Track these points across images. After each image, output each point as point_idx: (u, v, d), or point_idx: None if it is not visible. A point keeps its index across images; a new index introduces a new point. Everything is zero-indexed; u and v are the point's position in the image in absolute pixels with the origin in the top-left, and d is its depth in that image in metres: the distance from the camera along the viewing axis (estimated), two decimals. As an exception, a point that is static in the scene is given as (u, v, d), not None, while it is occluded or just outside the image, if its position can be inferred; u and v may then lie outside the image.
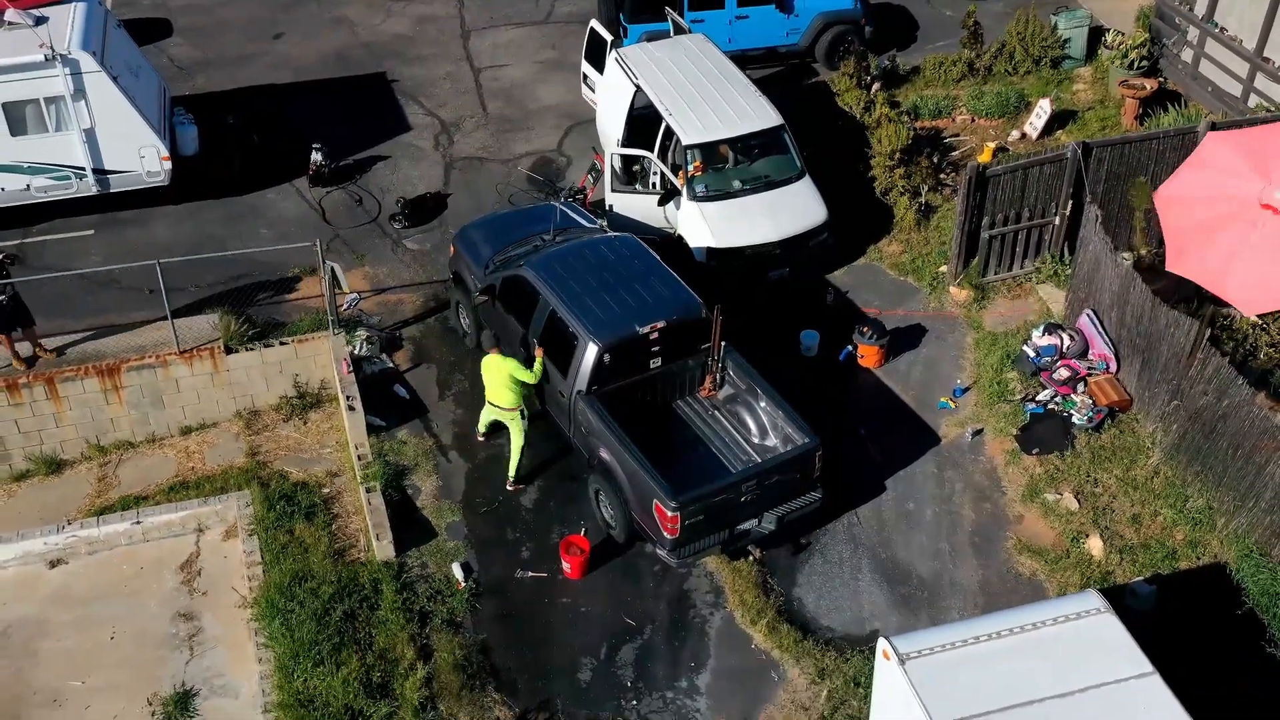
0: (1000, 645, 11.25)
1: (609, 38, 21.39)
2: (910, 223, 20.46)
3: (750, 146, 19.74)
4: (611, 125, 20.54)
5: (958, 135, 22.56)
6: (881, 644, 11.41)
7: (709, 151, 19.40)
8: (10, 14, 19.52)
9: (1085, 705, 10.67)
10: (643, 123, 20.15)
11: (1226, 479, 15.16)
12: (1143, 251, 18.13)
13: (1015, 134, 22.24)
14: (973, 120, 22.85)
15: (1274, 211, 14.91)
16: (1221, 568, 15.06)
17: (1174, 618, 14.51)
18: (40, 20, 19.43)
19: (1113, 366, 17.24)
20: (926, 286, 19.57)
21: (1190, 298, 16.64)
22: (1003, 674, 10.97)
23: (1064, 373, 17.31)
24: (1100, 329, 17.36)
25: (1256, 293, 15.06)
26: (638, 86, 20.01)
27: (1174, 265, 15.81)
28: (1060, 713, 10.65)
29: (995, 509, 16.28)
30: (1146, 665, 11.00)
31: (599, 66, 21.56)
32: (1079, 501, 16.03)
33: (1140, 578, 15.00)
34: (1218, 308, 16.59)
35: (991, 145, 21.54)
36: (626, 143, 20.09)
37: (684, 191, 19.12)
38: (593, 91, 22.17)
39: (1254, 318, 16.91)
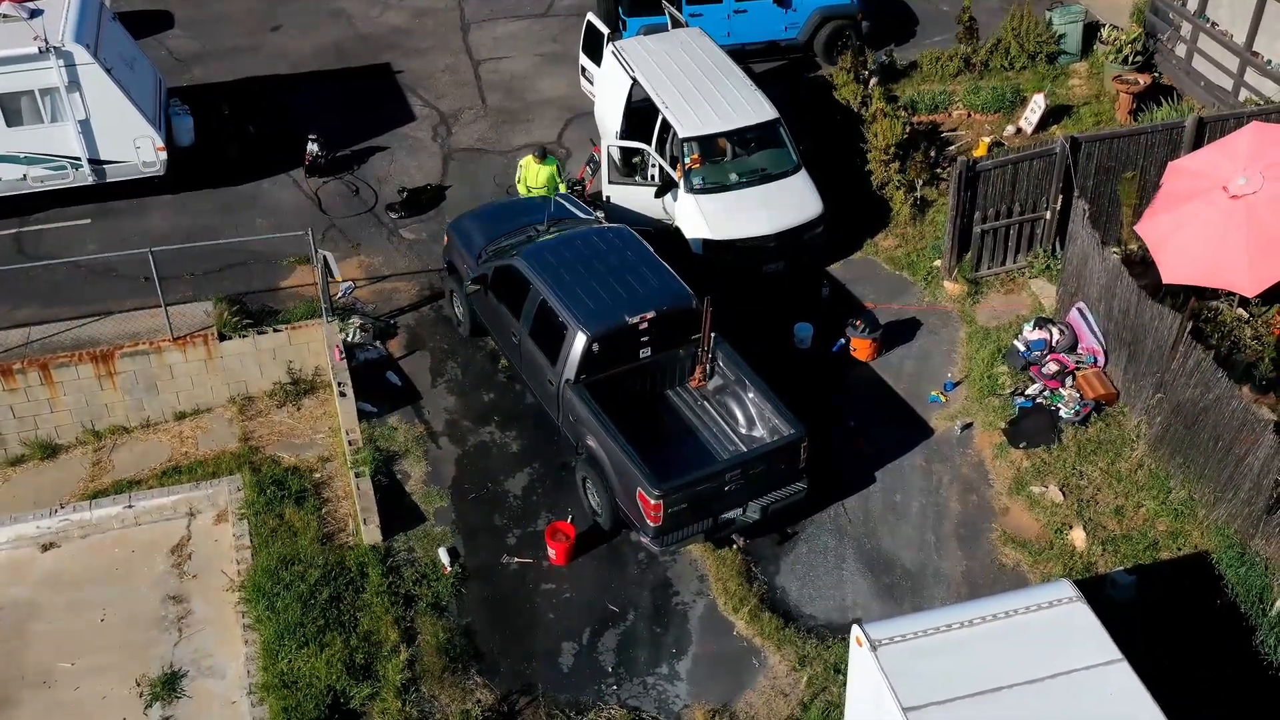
0: (973, 633, 11.33)
1: (606, 31, 21.50)
2: (906, 217, 20.54)
3: (746, 140, 19.83)
4: (609, 118, 20.63)
5: (954, 130, 22.62)
6: (855, 631, 11.51)
7: (706, 145, 19.51)
8: (5, 6, 19.71)
9: (1053, 691, 10.76)
10: (640, 116, 20.26)
11: (1207, 471, 15.22)
12: (1131, 246, 18.17)
13: (1011, 129, 22.28)
14: (969, 115, 22.91)
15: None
16: (1203, 558, 15.11)
17: (1155, 608, 14.58)
18: (35, 13, 19.62)
19: (1101, 360, 17.29)
20: (921, 281, 19.64)
21: (1178, 292, 16.69)
22: (974, 661, 11.05)
23: (1052, 367, 17.37)
24: (1089, 323, 17.42)
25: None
26: (634, 80, 20.11)
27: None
28: (1029, 699, 10.74)
29: (981, 501, 16.35)
30: (1115, 653, 11.07)
31: (597, 60, 21.67)
32: (1064, 494, 16.09)
33: (1121, 568, 15.06)
34: (1202, 301, 16.66)
35: (987, 140, 21.60)
36: (624, 135, 20.19)
37: (680, 184, 19.22)
38: (591, 84, 22.29)
39: (1240, 311, 17.01)
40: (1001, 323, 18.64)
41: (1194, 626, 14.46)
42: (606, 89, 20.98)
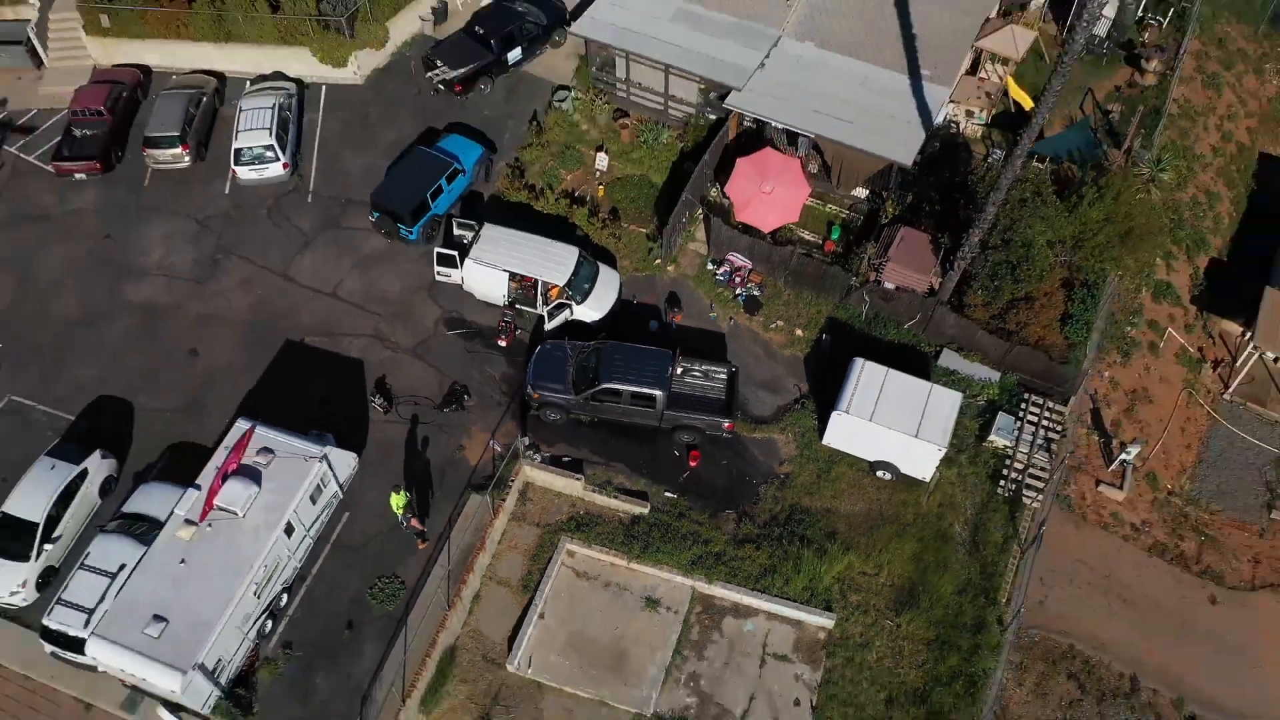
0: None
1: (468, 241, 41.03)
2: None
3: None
4: (495, 290, 40.92)
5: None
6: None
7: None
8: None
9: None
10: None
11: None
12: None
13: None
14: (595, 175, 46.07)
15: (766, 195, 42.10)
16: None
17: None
18: None
19: (749, 265, 43.71)
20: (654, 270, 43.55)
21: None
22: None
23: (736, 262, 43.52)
24: (739, 256, 43.63)
25: (764, 218, 42.45)
26: (507, 270, 40.54)
27: (739, 215, 42.72)
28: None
29: (762, 344, 42.15)
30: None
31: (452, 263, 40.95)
32: (781, 321, 42.90)
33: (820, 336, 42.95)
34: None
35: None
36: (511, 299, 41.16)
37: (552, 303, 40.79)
38: (450, 275, 41.40)
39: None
40: (699, 269, 43.91)
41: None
42: (484, 278, 41.09)
